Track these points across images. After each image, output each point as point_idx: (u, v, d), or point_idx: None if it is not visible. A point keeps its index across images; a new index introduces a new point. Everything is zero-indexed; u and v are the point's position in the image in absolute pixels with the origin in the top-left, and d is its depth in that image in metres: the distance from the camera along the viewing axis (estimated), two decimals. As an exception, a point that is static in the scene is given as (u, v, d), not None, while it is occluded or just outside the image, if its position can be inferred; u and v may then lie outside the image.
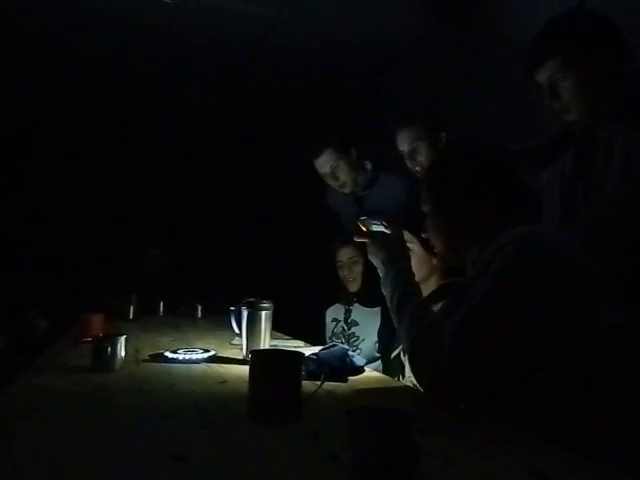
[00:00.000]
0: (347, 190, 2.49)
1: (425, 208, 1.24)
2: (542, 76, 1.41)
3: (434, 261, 1.75)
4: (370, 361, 1.98)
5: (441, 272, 1.69)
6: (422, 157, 2.08)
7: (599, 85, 1.36)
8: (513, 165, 1.19)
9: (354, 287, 2.47)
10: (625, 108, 1.31)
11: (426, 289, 1.59)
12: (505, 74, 2.42)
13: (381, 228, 1.42)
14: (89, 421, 0.90)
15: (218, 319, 2.65)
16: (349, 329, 2.44)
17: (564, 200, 1.43)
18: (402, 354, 1.91)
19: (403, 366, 1.86)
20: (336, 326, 2.52)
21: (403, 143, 2.13)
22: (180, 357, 1.54)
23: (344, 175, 2.44)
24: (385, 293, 1.26)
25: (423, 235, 1.27)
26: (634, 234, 1.26)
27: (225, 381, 1.27)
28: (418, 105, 2.67)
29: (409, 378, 1.64)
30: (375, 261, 1.35)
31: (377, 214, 1.51)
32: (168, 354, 1.56)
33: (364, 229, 1.44)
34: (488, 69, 2.62)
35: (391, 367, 1.87)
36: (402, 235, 1.39)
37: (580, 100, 1.38)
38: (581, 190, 1.38)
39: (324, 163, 2.44)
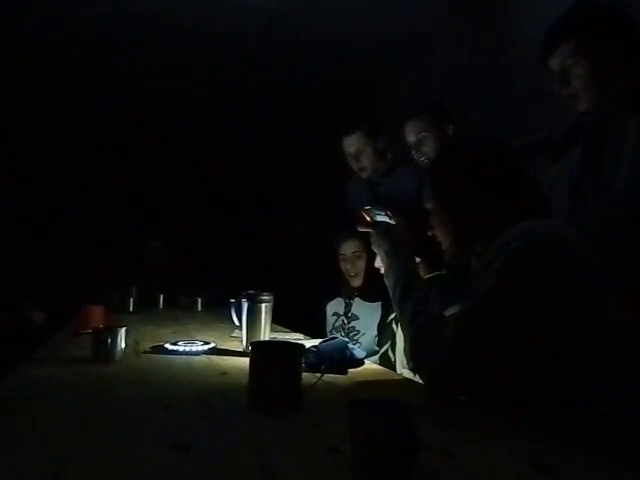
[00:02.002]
0: (364, 175, 2.57)
1: (429, 205, 1.23)
2: (554, 61, 1.41)
3: (417, 259, 1.75)
4: (370, 355, 1.98)
5: (425, 266, 1.68)
6: (427, 148, 2.12)
7: (610, 75, 1.35)
8: (517, 158, 1.18)
9: (356, 282, 2.46)
10: (637, 100, 1.30)
11: None
12: (510, 69, 2.42)
13: (385, 218, 1.41)
14: (90, 412, 0.90)
15: (218, 311, 2.66)
16: (349, 323, 2.44)
17: (573, 192, 1.42)
18: (390, 350, 1.91)
19: (392, 362, 1.87)
20: (337, 320, 2.51)
21: (410, 134, 2.17)
22: (180, 349, 1.54)
23: (366, 160, 2.52)
24: (388, 284, 1.26)
25: (429, 233, 1.25)
26: None
27: (225, 373, 1.27)
28: (417, 99, 2.68)
29: (400, 376, 1.65)
30: (378, 251, 1.34)
31: (391, 198, 1.49)
32: (168, 346, 1.57)
33: (368, 219, 1.42)
34: (490, 63, 2.61)
35: (380, 364, 1.88)
36: (406, 226, 1.38)
37: (589, 88, 1.37)
38: (590, 182, 1.37)
39: (352, 143, 2.52)
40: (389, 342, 1.96)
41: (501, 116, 2.40)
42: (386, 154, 2.58)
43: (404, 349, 1.74)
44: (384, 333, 2.11)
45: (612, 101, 1.35)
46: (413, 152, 2.18)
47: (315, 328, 2.41)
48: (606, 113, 1.36)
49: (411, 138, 2.17)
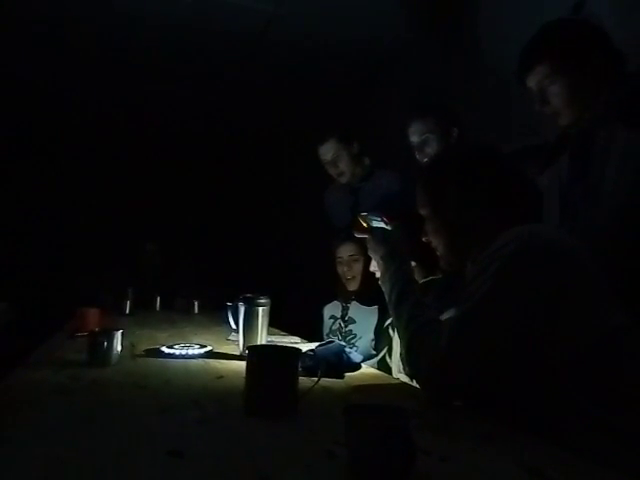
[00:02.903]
0: (344, 180, 2.65)
1: (423, 212, 1.23)
2: (532, 81, 1.43)
3: (412, 263, 1.76)
4: (366, 358, 1.98)
5: (420, 271, 1.69)
6: (431, 149, 2.12)
7: (589, 90, 1.37)
8: (508, 163, 1.19)
9: (353, 286, 2.46)
10: (622, 110, 1.31)
11: None
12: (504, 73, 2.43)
13: (382, 224, 1.41)
14: (85, 416, 0.89)
15: (214, 315, 2.65)
16: (346, 327, 2.44)
17: (563, 201, 1.43)
18: (387, 356, 1.91)
19: (389, 368, 1.87)
20: (333, 323, 2.51)
21: (414, 134, 2.17)
22: (176, 352, 1.54)
23: (343, 165, 2.61)
24: (384, 289, 1.26)
25: (423, 239, 1.26)
26: (632, 236, 1.25)
27: (222, 377, 1.27)
28: (414, 102, 2.69)
29: (397, 380, 1.65)
30: (375, 257, 1.35)
31: (375, 210, 1.51)
32: (164, 349, 1.56)
33: (364, 225, 1.43)
34: (487, 67, 2.62)
35: (379, 370, 1.88)
36: (402, 231, 1.38)
37: (569, 105, 1.39)
38: (579, 191, 1.39)
39: (327, 151, 2.61)
40: (386, 348, 1.96)
41: (492, 120, 2.41)
42: (363, 159, 2.66)
43: (400, 354, 1.74)
44: (381, 339, 2.10)
45: (596, 112, 1.36)
46: (416, 153, 2.18)
47: (311, 331, 2.40)
48: (593, 123, 1.37)
49: (414, 139, 2.17)
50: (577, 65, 1.36)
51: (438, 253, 1.23)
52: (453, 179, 1.16)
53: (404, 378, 1.56)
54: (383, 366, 1.93)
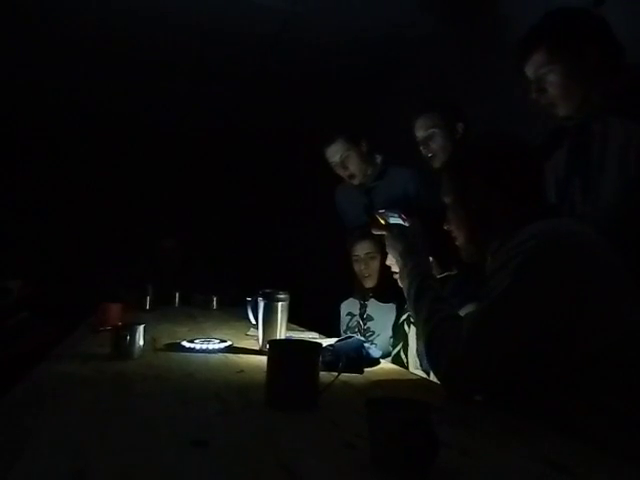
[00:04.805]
0: (356, 181, 2.55)
1: (447, 200, 1.23)
2: (529, 70, 1.42)
3: (430, 258, 1.75)
4: (385, 355, 1.98)
5: (435, 267, 1.68)
6: (436, 145, 2.12)
7: (586, 80, 1.35)
8: (534, 156, 1.18)
9: (370, 283, 2.46)
10: (620, 102, 1.30)
11: None
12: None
13: (399, 221, 1.42)
14: (109, 407, 0.91)
15: (233, 310, 2.68)
16: (365, 324, 2.44)
17: (560, 196, 1.42)
18: (402, 352, 1.91)
19: (404, 364, 1.86)
20: (351, 320, 2.51)
21: (419, 129, 2.16)
22: (197, 347, 1.55)
23: (353, 166, 2.50)
24: (402, 285, 1.27)
25: (445, 227, 1.26)
26: (632, 229, 1.24)
27: (242, 371, 1.28)
28: (430, 97, 2.67)
29: (417, 375, 1.64)
30: (393, 254, 1.35)
31: (393, 207, 1.51)
32: (185, 344, 1.58)
33: (382, 222, 1.43)
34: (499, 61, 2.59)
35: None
36: (420, 228, 1.38)
37: (565, 95, 1.37)
38: (577, 186, 1.38)
39: (335, 152, 2.50)
40: (401, 344, 1.95)
41: (506, 115, 2.38)
42: (374, 156, 2.56)
43: (417, 350, 1.74)
44: (396, 334, 2.10)
45: (593, 105, 1.34)
46: (421, 148, 2.17)
47: (328, 328, 2.41)
48: (590, 116, 1.35)
49: (420, 134, 2.16)
50: (574, 54, 1.34)
51: (458, 243, 1.23)
52: (480, 169, 1.16)
53: (421, 374, 1.56)
54: (397, 362, 1.93)
